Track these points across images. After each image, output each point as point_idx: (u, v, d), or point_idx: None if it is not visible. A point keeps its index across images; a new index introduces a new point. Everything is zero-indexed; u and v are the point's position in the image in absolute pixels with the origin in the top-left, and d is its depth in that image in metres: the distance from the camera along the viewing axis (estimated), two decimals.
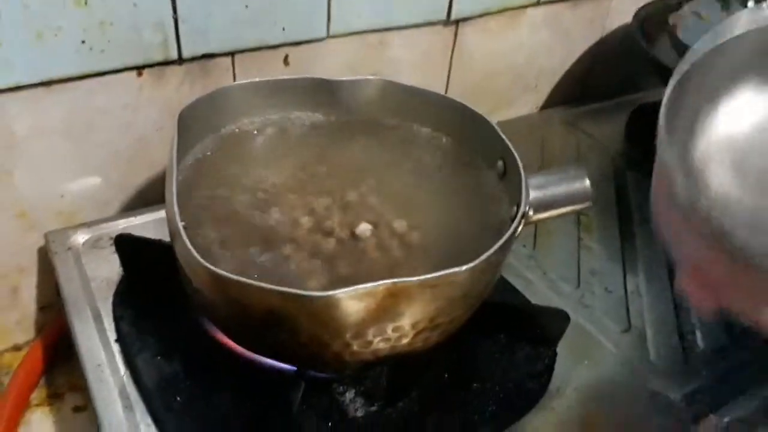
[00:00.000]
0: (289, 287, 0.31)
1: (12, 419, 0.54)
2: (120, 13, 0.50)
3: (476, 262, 0.33)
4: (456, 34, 0.72)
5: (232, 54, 0.58)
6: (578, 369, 0.47)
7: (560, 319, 0.45)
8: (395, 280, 0.31)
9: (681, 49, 0.71)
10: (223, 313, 0.36)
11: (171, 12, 0.52)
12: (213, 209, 0.41)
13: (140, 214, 0.58)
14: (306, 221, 0.41)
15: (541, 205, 0.41)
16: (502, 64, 0.78)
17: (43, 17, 0.47)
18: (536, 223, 0.44)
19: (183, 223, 0.33)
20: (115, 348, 0.45)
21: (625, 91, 0.87)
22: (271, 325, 0.32)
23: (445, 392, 0.44)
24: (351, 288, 0.30)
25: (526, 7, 0.75)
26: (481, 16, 0.71)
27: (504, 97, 0.82)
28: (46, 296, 0.60)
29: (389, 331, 0.34)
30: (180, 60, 0.55)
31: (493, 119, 0.80)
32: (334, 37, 0.62)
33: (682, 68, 0.31)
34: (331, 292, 0.30)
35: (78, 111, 0.53)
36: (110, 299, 0.49)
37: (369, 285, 0.30)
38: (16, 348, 0.62)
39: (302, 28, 0.60)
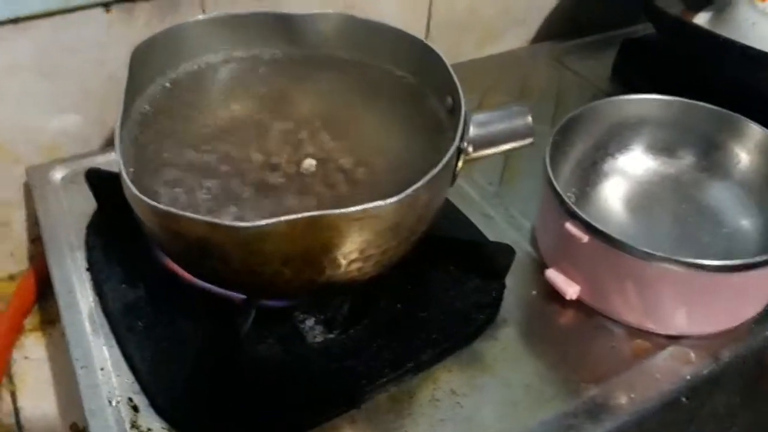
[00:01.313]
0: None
1: (7, 342, 0.59)
2: None
3: (400, 196, 0.34)
4: None
5: None
6: (527, 301, 0.49)
7: (507, 253, 0.46)
8: (317, 213, 0.32)
9: None
10: (166, 244, 0.38)
11: None
12: (165, 147, 0.43)
13: None
14: (255, 157, 0.42)
15: (483, 142, 0.42)
16: None
17: None
18: (491, 159, 0.44)
19: (123, 160, 0.34)
20: (86, 276, 0.48)
21: (617, 26, 0.84)
22: (205, 254, 0.34)
23: (396, 320, 0.46)
24: (273, 220, 0.32)
25: None
26: None
27: (490, 30, 0.80)
28: (36, 230, 0.63)
29: (322, 261, 0.36)
30: None
31: (481, 53, 0.81)
32: None
33: None
34: (252, 223, 0.31)
35: (48, 48, 0.54)
36: (84, 231, 0.52)
37: (290, 217, 0.32)
38: (11, 278, 0.65)
39: None
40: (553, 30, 0.84)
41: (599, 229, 0.43)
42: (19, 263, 0.65)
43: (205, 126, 0.45)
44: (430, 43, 0.48)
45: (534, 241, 0.53)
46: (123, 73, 0.57)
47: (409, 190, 0.34)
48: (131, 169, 0.37)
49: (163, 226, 0.34)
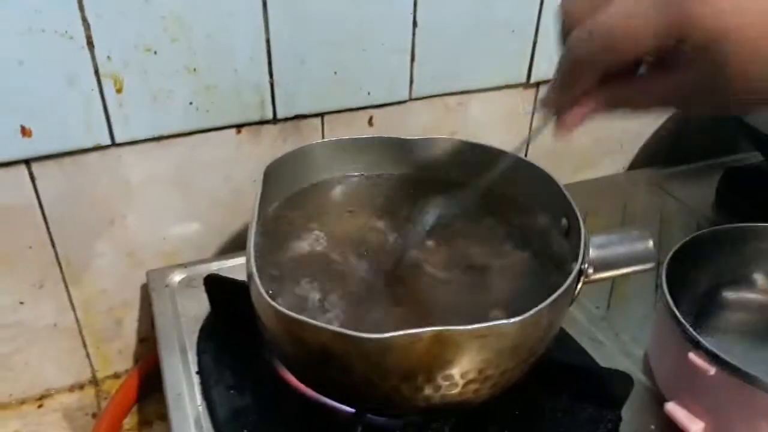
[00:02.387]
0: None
1: None
2: (223, 78, 0.57)
3: (525, 315, 0.34)
4: (536, 97, 0.74)
5: (321, 115, 0.63)
6: None
7: (624, 381, 0.44)
8: (442, 328, 0.32)
9: None
10: (285, 349, 0.38)
11: (267, 77, 0.58)
12: (288, 256, 0.45)
13: (233, 257, 0.63)
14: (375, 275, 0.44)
15: (602, 264, 0.41)
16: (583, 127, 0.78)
17: (158, 82, 0.54)
18: (602, 283, 0.44)
19: (256, 266, 0.36)
20: (196, 380, 0.49)
21: (716, 154, 0.84)
22: (326, 363, 0.35)
23: None
24: (399, 332, 0.32)
25: None
26: None
27: (586, 158, 0.82)
28: (146, 329, 0.66)
29: (438, 378, 0.35)
30: (275, 119, 0.61)
31: (576, 177, 0.82)
32: (415, 99, 0.66)
33: None
34: (378, 335, 0.32)
35: (184, 163, 0.59)
36: (197, 334, 0.53)
37: (416, 330, 0.32)
38: (116, 376, 0.68)
39: (386, 92, 0.64)
40: (652, 156, 0.85)
41: (727, 361, 0.41)
42: (125, 362, 0.68)
43: (326, 239, 0.47)
44: (540, 165, 0.49)
45: (648, 370, 0.51)
46: (246, 187, 0.63)
47: (533, 310, 0.34)
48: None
49: (288, 333, 0.35)
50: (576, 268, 0.38)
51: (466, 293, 0.43)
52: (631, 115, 0.34)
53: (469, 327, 0.32)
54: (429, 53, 0.64)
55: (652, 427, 0.46)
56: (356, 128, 0.66)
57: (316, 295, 0.42)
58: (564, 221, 0.45)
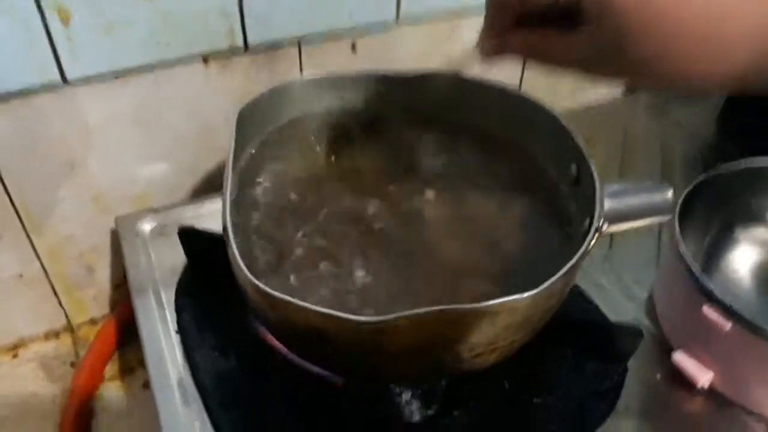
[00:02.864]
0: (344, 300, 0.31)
1: (87, 391, 0.57)
2: (185, 4, 0.49)
3: (539, 289, 0.30)
4: None
5: (298, 43, 0.57)
6: (650, 387, 0.44)
7: (633, 335, 0.42)
8: (445, 307, 0.29)
9: None
10: (272, 323, 0.35)
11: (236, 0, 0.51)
12: (269, 215, 0.40)
13: (208, 200, 0.58)
14: (362, 228, 0.40)
15: (617, 216, 0.38)
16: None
17: (110, 11, 0.47)
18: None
19: (234, 242, 0.32)
20: (176, 339, 0.46)
21: None
22: (314, 339, 0.31)
23: (505, 404, 0.42)
24: (396, 314, 0.28)
25: None
26: None
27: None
28: (120, 275, 0.62)
29: (443, 354, 0.32)
30: (246, 48, 0.54)
31: (574, 102, 0.77)
32: (403, 23, 0.60)
33: None
34: (375, 318, 0.28)
35: (147, 100, 0.53)
36: (173, 288, 0.50)
37: (418, 311, 0.28)
38: (93, 322, 0.65)
39: (371, 12, 0.58)
40: None
41: (743, 317, 0.38)
42: (101, 308, 0.65)
43: (312, 191, 0.43)
44: (544, 105, 0.45)
45: (653, 315, 0.49)
46: (217, 123, 0.57)
47: (547, 283, 0.31)
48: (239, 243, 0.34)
49: (273, 310, 0.32)
50: (593, 227, 0.34)
51: (470, 255, 0.39)
52: (551, 71, 0.35)
53: (477, 306, 0.29)
54: None
55: (658, 376, 0.44)
56: (338, 57, 0.59)
57: (300, 253, 0.38)
58: (573, 168, 0.41)
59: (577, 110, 0.75)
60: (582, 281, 0.50)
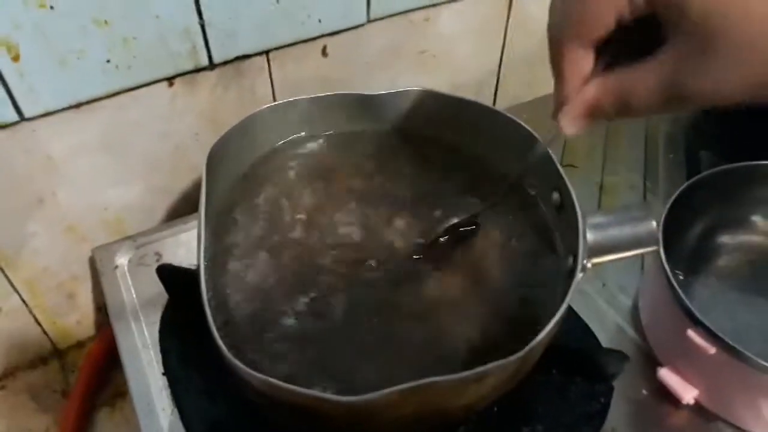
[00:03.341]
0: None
1: (79, 421, 0.57)
2: (143, 27, 0.47)
3: (525, 350, 0.30)
4: (511, 4, 0.65)
5: (266, 52, 0.54)
6: (636, 402, 0.44)
7: (618, 359, 0.42)
8: (432, 379, 0.28)
9: None
10: (255, 395, 0.34)
11: (196, 18, 0.49)
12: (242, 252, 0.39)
13: (185, 223, 0.57)
14: (342, 267, 0.39)
15: (600, 250, 0.37)
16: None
17: (63, 42, 0.44)
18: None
19: (212, 319, 0.31)
20: (163, 382, 0.45)
21: None
22: (305, 419, 0.31)
23: (495, 430, 0.42)
24: (386, 390, 0.28)
25: None
26: None
27: None
28: (102, 298, 0.61)
29: (433, 416, 0.32)
30: (211, 65, 0.52)
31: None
32: (375, 20, 0.57)
33: None
34: (361, 397, 0.28)
35: (112, 127, 0.51)
36: (157, 321, 0.49)
37: (404, 386, 0.28)
38: (80, 345, 0.64)
39: (340, 17, 0.55)
40: None
41: (728, 343, 0.38)
42: (87, 330, 0.64)
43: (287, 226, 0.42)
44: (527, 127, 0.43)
45: (637, 324, 0.49)
46: (188, 142, 0.55)
47: (536, 339, 0.30)
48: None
49: (260, 392, 0.31)
50: (578, 266, 0.34)
51: (453, 300, 0.38)
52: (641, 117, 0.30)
53: (461, 375, 0.29)
54: None
55: (644, 392, 0.45)
56: (309, 62, 0.57)
57: (286, 320, 0.37)
58: (556, 196, 0.40)
59: None
60: None
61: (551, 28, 0.31)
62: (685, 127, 0.67)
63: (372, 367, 0.34)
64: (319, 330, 0.37)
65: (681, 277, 0.49)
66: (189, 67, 0.51)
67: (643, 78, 0.29)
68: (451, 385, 0.29)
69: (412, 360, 0.35)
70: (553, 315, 0.31)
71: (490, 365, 0.29)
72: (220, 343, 0.30)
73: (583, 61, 0.31)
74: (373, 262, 0.40)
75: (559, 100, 0.32)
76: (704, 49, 0.26)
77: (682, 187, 0.46)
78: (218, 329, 0.31)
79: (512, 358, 0.30)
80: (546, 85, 0.65)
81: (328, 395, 0.28)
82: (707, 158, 0.61)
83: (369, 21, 0.57)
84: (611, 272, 0.53)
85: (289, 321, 0.37)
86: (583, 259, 0.35)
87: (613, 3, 0.28)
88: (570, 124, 0.32)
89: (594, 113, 0.31)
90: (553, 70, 0.32)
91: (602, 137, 0.66)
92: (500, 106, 0.73)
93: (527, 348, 0.30)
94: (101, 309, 0.63)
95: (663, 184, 0.60)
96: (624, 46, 0.30)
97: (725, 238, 0.51)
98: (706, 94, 0.28)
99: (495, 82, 0.71)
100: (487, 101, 0.73)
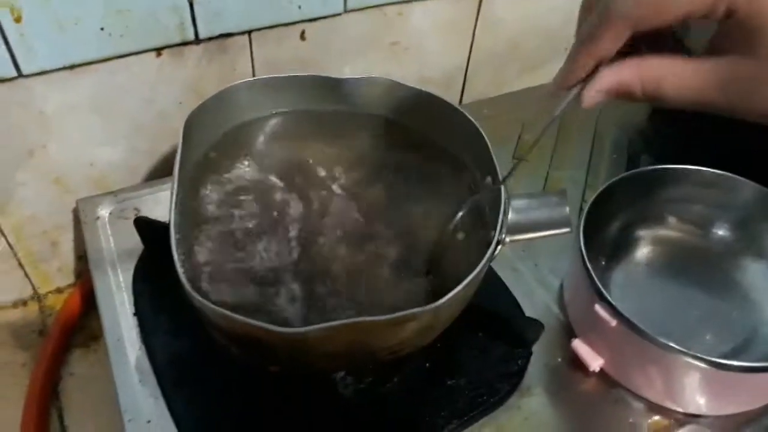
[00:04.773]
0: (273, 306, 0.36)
1: (54, 358, 0.62)
2: (136, 0, 0.51)
3: (441, 301, 0.36)
4: (481, 1, 0.70)
5: (248, 32, 0.59)
6: (551, 368, 0.50)
7: (536, 327, 0.48)
8: (357, 319, 0.34)
9: None
10: (211, 325, 0.40)
11: None
12: (211, 217, 0.45)
13: (163, 183, 0.62)
14: (297, 231, 0.44)
15: (519, 229, 0.43)
16: (531, 28, 0.76)
17: (62, 8, 0.49)
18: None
19: (177, 255, 0.36)
20: (134, 322, 0.51)
21: None
22: (252, 344, 0.37)
23: (425, 382, 0.48)
24: (319, 325, 0.33)
25: None
26: None
27: (530, 60, 0.80)
28: (83, 248, 0.66)
29: (359, 354, 0.38)
30: (197, 40, 0.57)
31: (520, 84, 0.80)
32: (351, 11, 0.62)
33: None
34: (297, 329, 0.33)
35: (102, 89, 0.56)
36: (132, 269, 0.54)
37: (332, 323, 0.34)
38: (59, 290, 0.69)
39: (319, 4, 0.60)
40: None
41: (627, 318, 0.44)
42: (66, 278, 0.69)
43: (250, 194, 0.47)
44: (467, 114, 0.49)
45: (561, 302, 0.55)
46: (171, 109, 0.60)
47: (449, 295, 0.36)
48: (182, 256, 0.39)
49: (214, 323, 0.37)
50: (493, 243, 0.39)
51: (387, 255, 0.44)
52: (661, 105, 0.30)
53: (381, 318, 0.34)
54: None
55: (559, 359, 0.51)
56: (288, 44, 0.62)
57: (243, 261, 0.42)
58: (488, 180, 0.46)
59: (521, 92, 0.80)
60: (501, 267, 0.56)
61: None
62: (631, 132, 0.73)
63: (315, 308, 0.40)
64: (271, 272, 0.42)
65: (603, 263, 0.55)
66: (177, 40, 0.56)
67: (690, 76, 0.28)
68: (375, 324, 0.34)
69: (348, 308, 0.41)
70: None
71: (408, 311, 0.35)
72: (184, 279, 0.36)
73: (620, 41, 0.29)
74: (325, 223, 0.45)
75: (575, 72, 0.31)
76: None
77: (607, 183, 0.52)
78: (184, 272, 0.36)
79: (427, 307, 0.35)
80: (510, 84, 0.71)
81: (269, 325, 0.33)
82: (645, 161, 0.67)
83: (346, 11, 0.62)
84: (544, 255, 0.58)
85: (245, 264, 0.42)
86: (501, 234, 0.40)
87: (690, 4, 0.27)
88: (593, 97, 0.31)
89: (620, 92, 0.30)
90: (584, 39, 0.30)
91: (553, 136, 0.72)
92: (466, 101, 0.79)
93: (440, 301, 0.36)
94: (81, 258, 0.68)
95: (603, 181, 0.66)
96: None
97: (643, 232, 0.57)
98: (754, 113, 0.27)
99: (462, 78, 0.77)
100: (455, 95, 0.78)
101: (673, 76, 0.29)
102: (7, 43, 0.49)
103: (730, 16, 0.26)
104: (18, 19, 0.48)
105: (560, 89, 0.33)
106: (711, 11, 0.27)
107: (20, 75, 0.51)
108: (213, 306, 0.34)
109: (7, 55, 0.49)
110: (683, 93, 0.29)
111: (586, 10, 0.31)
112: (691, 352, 0.42)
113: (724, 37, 0.27)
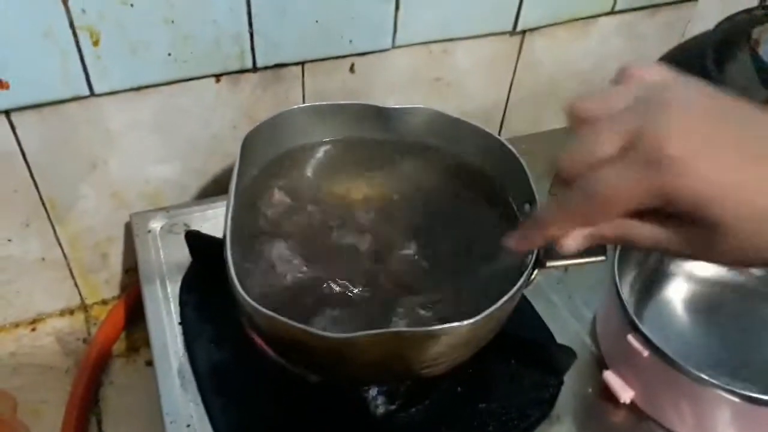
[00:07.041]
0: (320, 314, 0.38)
1: (96, 366, 0.65)
2: (202, 29, 0.56)
3: (477, 318, 0.37)
4: (522, 43, 0.73)
5: (302, 63, 0.63)
6: (581, 398, 0.51)
7: (568, 355, 0.49)
8: (398, 329, 0.36)
9: (759, 66, 0.69)
10: (259, 329, 0.42)
11: (247, 27, 0.57)
12: (264, 228, 0.47)
13: (214, 201, 0.65)
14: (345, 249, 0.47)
15: (556, 254, 0.44)
16: (568, 71, 0.78)
17: (135, 34, 0.53)
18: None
19: (232, 261, 0.39)
20: (178, 330, 0.53)
21: None
22: (296, 348, 0.38)
23: (456, 405, 0.49)
24: (365, 332, 0.35)
25: (598, 16, 0.74)
26: (548, 26, 0.72)
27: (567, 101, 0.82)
28: (130, 262, 0.69)
29: (397, 365, 0.39)
30: (254, 69, 0.61)
31: (557, 123, 0.83)
32: (399, 47, 0.66)
33: None
34: (340, 335, 0.35)
35: (163, 110, 0.60)
36: (179, 282, 0.57)
37: (379, 331, 0.35)
38: (104, 302, 0.72)
39: (368, 40, 0.64)
40: None
41: (659, 348, 0.45)
42: (112, 290, 0.72)
43: (302, 208, 0.50)
44: (509, 144, 0.51)
45: (594, 334, 0.55)
46: (225, 133, 0.64)
47: (485, 312, 0.37)
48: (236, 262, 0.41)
49: (261, 324, 0.39)
50: (531, 263, 0.41)
51: (432, 276, 0.46)
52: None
53: (421, 329, 0.36)
54: (414, 0, 0.62)
55: (590, 390, 0.51)
56: (337, 76, 0.65)
57: (290, 273, 0.45)
58: (527, 206, 0.47)
59: (561, 130, 0.81)
60: (536, 298, 0.57)
61: (573, 197, 0.32)
62: None
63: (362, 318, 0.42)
64: (316, 285, 0.44)
65: (636, 296, 0.56)
66: (236, 67, 0.60)
67: (651, 236, 0.31)
68: (414, 336, 0.36)
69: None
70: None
71: (444, 326, 0.36)
72: (236, 282, 0.38)
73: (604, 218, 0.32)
74: (370, 243, 0.47)
75: (547, 235, 0.34)
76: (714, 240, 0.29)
77: None
78: (235, 274, 0.39)
79: (464, 323, 0.37)
80: (547, 123, 0.72)
81: (319, 331, 0.35)
82: None
83: (394, 47, 0.65)
84: (578, 288, 0.59)
85: (290, 277, 0.44)
86: (539, 258, 0.42)
87: (631, 204, 0.30)
88: (570, 246, 0.34)
89: (597, 241, 0.34)
90: (574, 214, 0.33)
91: None
92: (504, 136, 0.81)
93: (475, 318, 0.37)
94: (128, 272, 0.71)
95: None
96: None
97: (677, 266, 0.58)
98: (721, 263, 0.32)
99: (501, 114, 0.79)
100: (493, 131, 0.80)
101: (645, 239, 0.32)
102: (84, 63, 0.53)
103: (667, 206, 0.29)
104: (96, 43, 0.52)
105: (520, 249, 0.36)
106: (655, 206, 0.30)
107: (92, 94, 0.55)
108: (265, 310, 0.36)
109: (82, 75, 0.54)
110: (655, 249, 0.33)
111: (562, 181, 0.33)
112: (724, 385, 0.43)
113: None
